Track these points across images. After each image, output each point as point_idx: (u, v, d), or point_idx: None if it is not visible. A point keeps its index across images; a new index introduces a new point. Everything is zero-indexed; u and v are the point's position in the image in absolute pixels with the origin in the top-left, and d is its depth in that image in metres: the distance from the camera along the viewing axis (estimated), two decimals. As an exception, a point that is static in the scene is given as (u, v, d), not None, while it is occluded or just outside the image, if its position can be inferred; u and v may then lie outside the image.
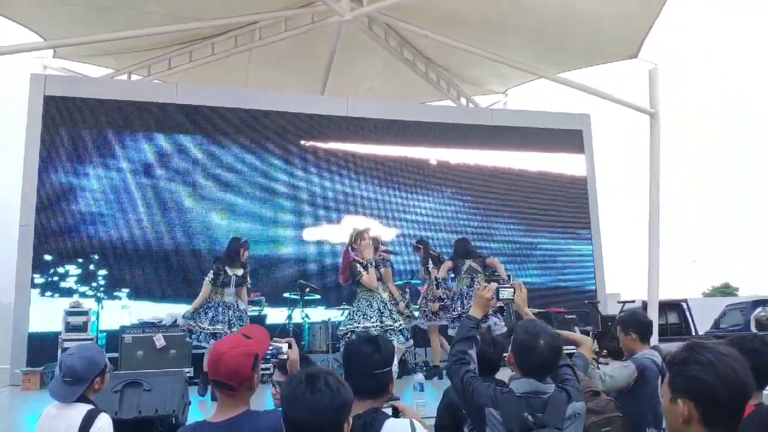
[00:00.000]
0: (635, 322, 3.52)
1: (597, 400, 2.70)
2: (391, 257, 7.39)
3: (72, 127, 8.16)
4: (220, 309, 6.13)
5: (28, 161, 7.90)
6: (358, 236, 5.74)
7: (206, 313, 6.09)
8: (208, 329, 6.02)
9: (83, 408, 2.60)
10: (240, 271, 6.30)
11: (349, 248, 5.82)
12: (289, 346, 2.16)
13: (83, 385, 2.62)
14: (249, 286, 6.62)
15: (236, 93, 9.59)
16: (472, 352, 2.43)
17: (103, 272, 7.96)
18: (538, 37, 9.53)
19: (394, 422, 2.03)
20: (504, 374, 2.70)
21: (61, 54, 10.01)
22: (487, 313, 2.94)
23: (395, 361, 2.14)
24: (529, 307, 2.85)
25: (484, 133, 10.16)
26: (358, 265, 5.62)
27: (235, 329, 5.86)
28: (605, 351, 5.05)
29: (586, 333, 6.30)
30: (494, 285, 2.73)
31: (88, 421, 2.54)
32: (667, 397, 1.51)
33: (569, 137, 10.61)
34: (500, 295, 2.75)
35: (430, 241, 8.32)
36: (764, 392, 2.40)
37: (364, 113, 9.65)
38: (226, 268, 6.24)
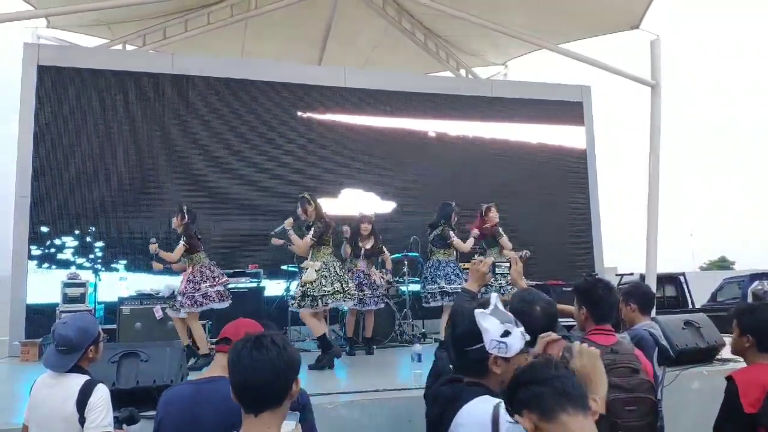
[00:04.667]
0: (637, 292, 3.53)
1: (632, 377, 2.46)
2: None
3: (66, 97, 8.05)
4: None
5: (22, 132, 7.81)
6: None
7: None
8: None
9: (80, 378, 2.60)
10: None
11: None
12: None
13: (77, 354, 2.63)
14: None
15: (232, 63, 9.42)
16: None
17: (100, 244, 7.95)
18: (539, 7, 9.36)
19: (478, 403, 1.78)
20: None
21: (54, 24, 9.84)
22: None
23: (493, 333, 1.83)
24: (526, 279, 2.85)
25: (484, 104, 10.05)
26: None
27: None
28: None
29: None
30: (490, 259, 2.74)
31: (86, 390, 2.55)
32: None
33: (569, 109, 10.51)
34: (496, 269, 2.76)
35: (429, 213, 8.18)
36: None
37: (361, 84, 9.52)
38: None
